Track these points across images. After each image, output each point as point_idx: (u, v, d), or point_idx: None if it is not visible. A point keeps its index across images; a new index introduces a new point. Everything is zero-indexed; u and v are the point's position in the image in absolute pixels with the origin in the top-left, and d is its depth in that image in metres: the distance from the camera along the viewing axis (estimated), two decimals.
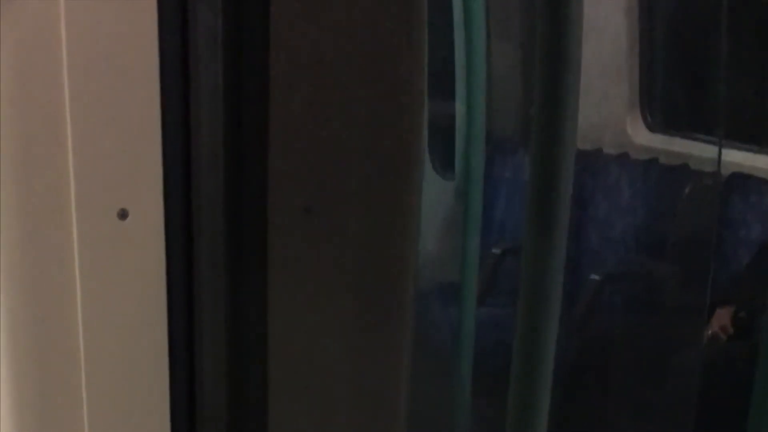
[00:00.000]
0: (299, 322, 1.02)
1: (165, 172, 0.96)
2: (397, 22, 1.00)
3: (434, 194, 3.60)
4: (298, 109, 0.98)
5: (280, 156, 0.97)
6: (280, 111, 0.97)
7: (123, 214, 0.96)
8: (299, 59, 0.97)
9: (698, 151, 3.29)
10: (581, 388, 3.05)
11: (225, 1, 0.93)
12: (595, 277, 3.15)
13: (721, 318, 2.87)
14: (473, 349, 2.58)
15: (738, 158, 3.21)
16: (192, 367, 1.00)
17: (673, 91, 3.65)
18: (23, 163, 0.92)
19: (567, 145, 1.12)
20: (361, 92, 1.00)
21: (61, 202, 0.94)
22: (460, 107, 2.83)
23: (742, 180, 3.12)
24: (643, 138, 3.56)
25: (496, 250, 3.40)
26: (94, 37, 0.91)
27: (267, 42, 0.96)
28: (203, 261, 0.98)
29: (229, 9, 0.94)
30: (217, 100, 0.96)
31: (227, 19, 0.94)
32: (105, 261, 0.96)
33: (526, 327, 1.18)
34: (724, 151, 3.11)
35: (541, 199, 1.15)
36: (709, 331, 2.88)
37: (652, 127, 3.57)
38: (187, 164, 0.97)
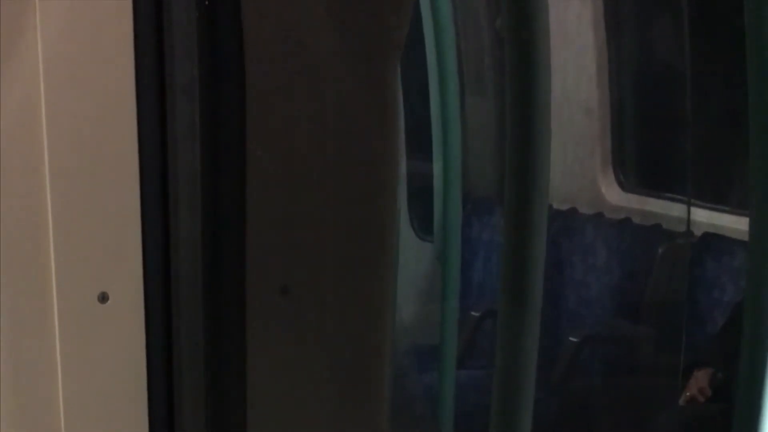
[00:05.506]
0: (279, 401, 1.03)
1: (144, 256, 0.98)
2: (370, 99, 1.03)
3: (414, 256, 3.60)
4: (274, 189, 1.00)
5: (256, 238, 0.99)
6: (256, 193, 0.99)
7: (103, 298, 0.97)
8: (275, 139, 1.00)
9: (670, 210, 3.32)
10: None
11: (202, 95, 0.96)
12: (573, 339, 3.15)
13: (700, 380, 2.85)
14: (453, 412, 2.58)
15: (708, 218, 3.23)
16: None
17: (644, 151, 3.70)
18: (6, 247, 0.94)
19: (538, 210, 1.14)
20: (336, 170, 1.03)
21: (42, 285, 0.95)
22: (436, 169, 2.86)
23: (715, 240, 3.14)
24: (616, 197, 3.60)
25: (475, 313, 3.39)
26: (74, 126, 0.94)
27: (243, 122, 0.98)
28: (182, 343, 1.00)
29: (207, 103, 0.97)
30: (195, 183, 0.98)
31: (204, 110, 0.97)
32: (86, 344, 0.98)
33: (503, 392, 1.19)
34: (697, 212, 3.14)
35: (515, 264, 1.17)
36: (688, 393, 2.86)
37: (624, 187, 3.61)
38: (166, 248, 0.98)
